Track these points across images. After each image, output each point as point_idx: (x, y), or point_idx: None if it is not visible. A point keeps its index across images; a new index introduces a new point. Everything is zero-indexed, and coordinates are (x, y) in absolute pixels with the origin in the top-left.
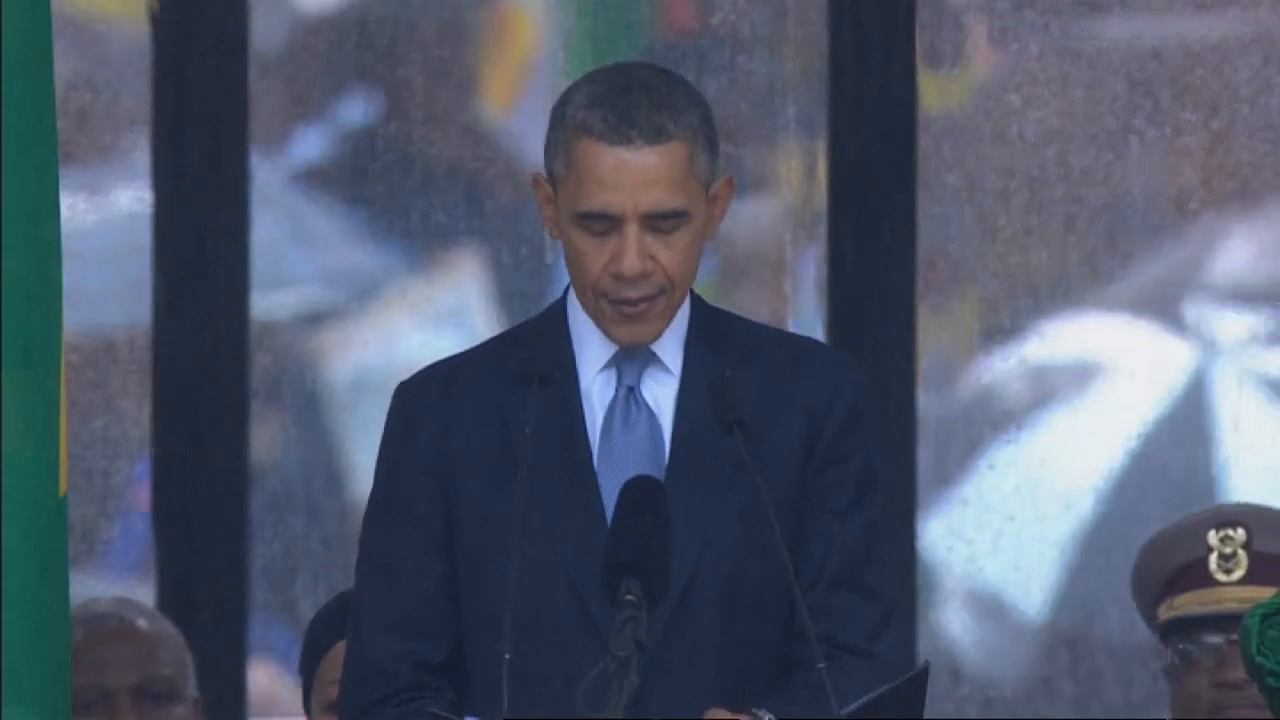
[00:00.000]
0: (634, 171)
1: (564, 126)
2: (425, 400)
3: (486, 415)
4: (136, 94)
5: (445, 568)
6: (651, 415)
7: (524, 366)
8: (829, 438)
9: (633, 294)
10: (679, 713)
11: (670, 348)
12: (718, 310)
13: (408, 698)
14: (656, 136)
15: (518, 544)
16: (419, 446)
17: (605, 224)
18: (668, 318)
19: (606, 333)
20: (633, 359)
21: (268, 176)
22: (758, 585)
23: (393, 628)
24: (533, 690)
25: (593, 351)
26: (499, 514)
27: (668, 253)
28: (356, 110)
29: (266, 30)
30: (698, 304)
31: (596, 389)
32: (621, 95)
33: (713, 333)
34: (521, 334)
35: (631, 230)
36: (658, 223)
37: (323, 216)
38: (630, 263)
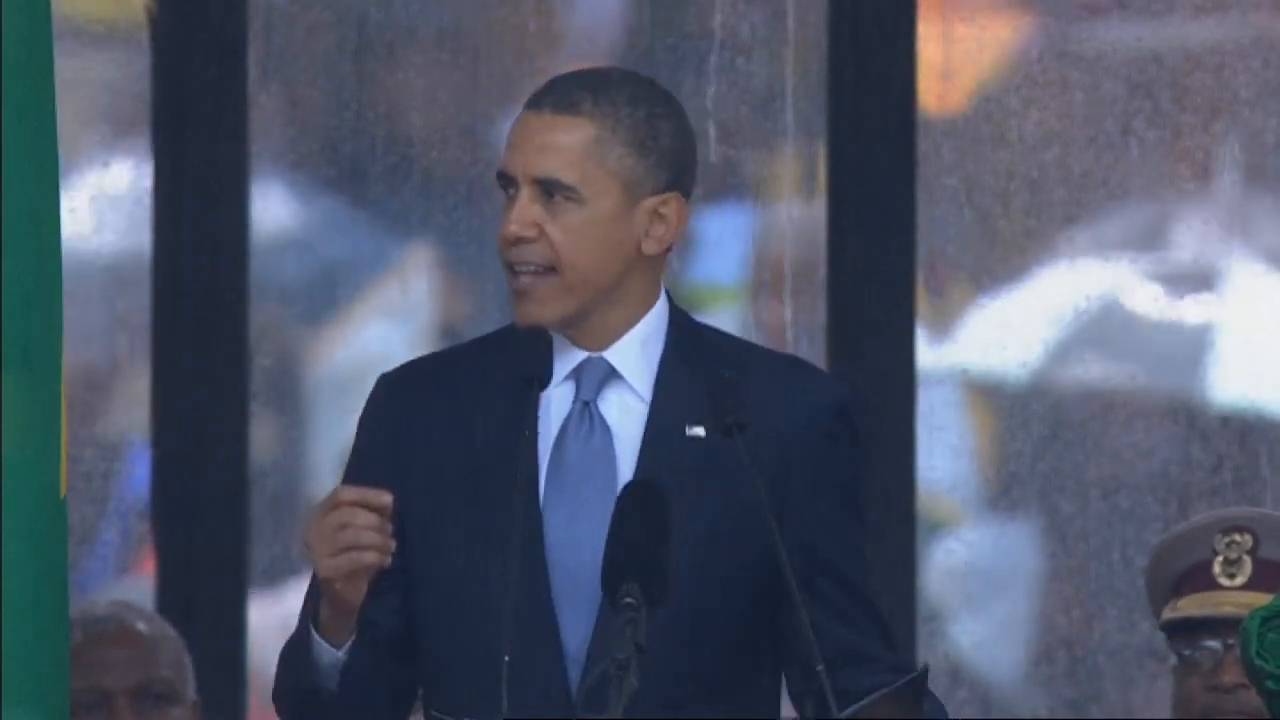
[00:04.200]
0: (533, 134)
1: None
2: (396, 394)
3: (452, 416)
4: (135, 95)
5: (395, 564)
6: (606, 432)
7: (496, 370)
8: (808, 465)
9: (514, 259)
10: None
11: (639, 365)
12: (700, 326)
13: None
14: (564, 108)
15: (516, 545)
16: (380, 439)
17: (510, 188)
18: (563, 304)
19: (515, 315)
20: (590, 372)
21: (267, 178)
22: (716, 609)
23: None
24: (467, 690)
25: (558, 361)
26: (446, 517)
27: (555, 227)
28: (356, 113)
29: (265, 32)
30: (678, 320)
31: (555, 400)
32: (567, 75)
33: (692, 351)
34: (503, 337)
35: (522, 194)
36: (548, 193)
37: (322, 218)
38: (507, 226)
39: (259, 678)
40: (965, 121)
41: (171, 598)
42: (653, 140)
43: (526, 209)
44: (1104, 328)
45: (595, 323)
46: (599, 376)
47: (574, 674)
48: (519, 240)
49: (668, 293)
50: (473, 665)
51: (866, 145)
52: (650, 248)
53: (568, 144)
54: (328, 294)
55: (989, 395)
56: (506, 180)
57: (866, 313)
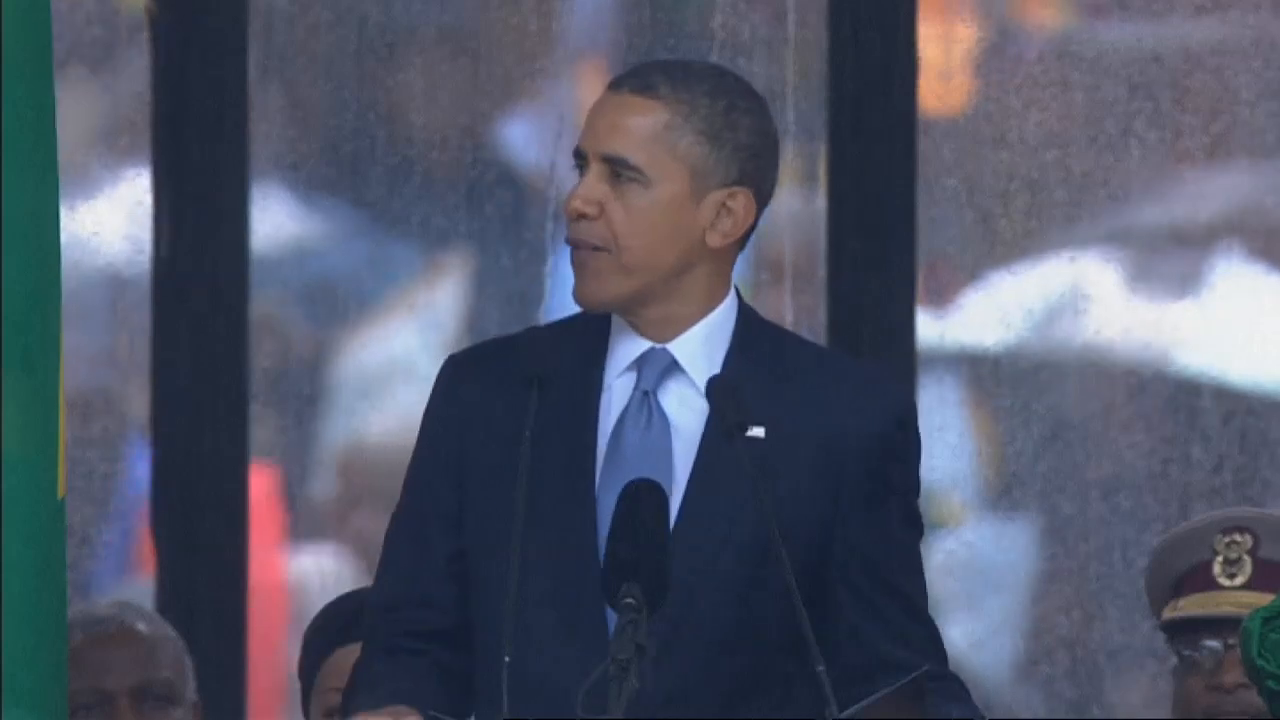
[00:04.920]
0: (608, 113)
1: None
2: (460, 380)
3: (509, 405)
4: (135, 95)
5: (455, 546)
6: (664, 422)
7: (560, 358)
8: (867, 471)
9: (572, 234)
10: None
11: (702, 360)
12: (769, 326)
13: (386, 654)
14: (641, 90)
15: (516, 547)
16: (443, 426)
17: (582, 164)
18: (619, 284)
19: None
20: (653, 363)
21: (267, 179)
22: (765, 607)
23: (392, 600)
24: (518, 690)
25: (620, 352)
26: (499, 509)
27: (618, 206)
28: (356, 113)
29: (266, 32)
30: (747, 319)
31: (616, 391)
32: (652, 62)
33: (757, 349)
34: (567, 325)
35: (591, 171)
36: (615, 173)
37: (322, 219)
38: (574, 199)
39: (259, 678)
40: (965, 122)
41: (171, 598)
42: (728, 132)
43: (593, 186)
44: (1105, 328)
45: (657, 312)
46: (660, 367)
47: None
48: (581, 216)
49: (738, 291)
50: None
51: (866, 145)
52: (714, 240)
53: (639, 125)
54: (328, 294)
55: (989, 395)
56: (579, 156)
57: (866, 312)
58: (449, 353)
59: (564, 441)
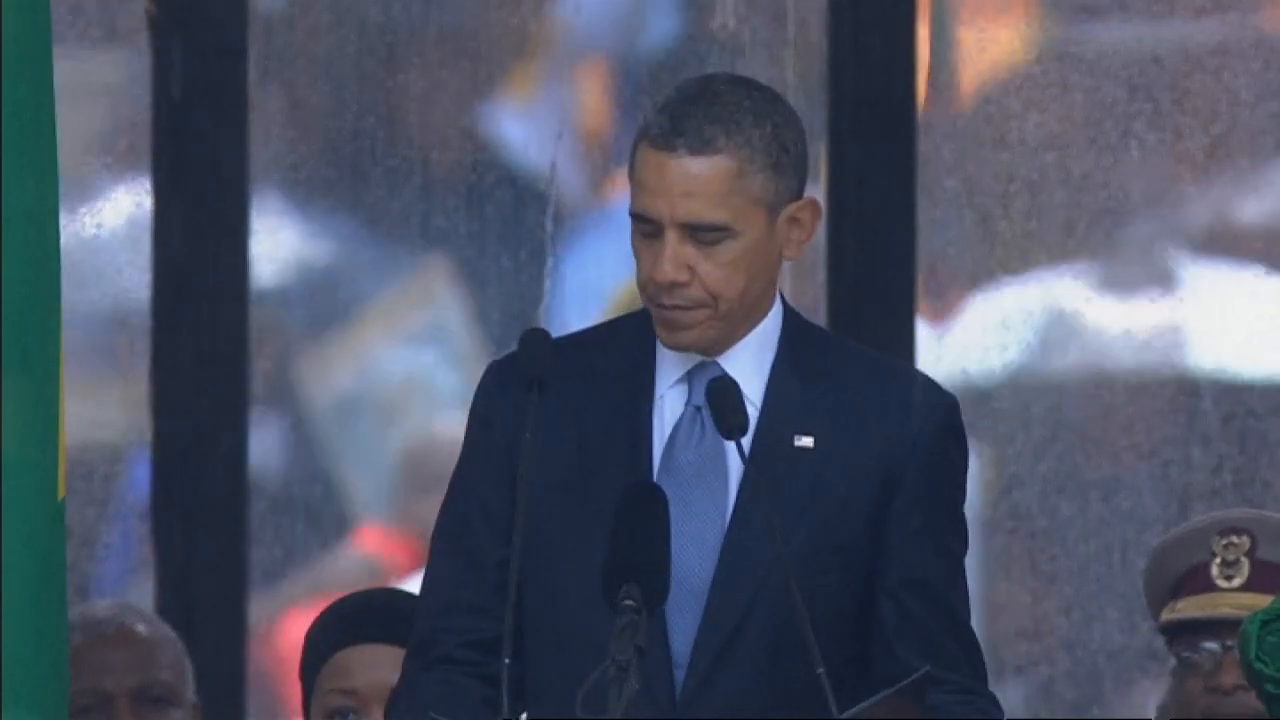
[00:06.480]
0: (673, 179)
1: (639, 128)
2: (505, 384)
3: (560, 414)
4: (135, 97)
5: (505, 553)
6: (717, 438)
7: (604, 364)
8: (912, 476)
9: (666, 300)
10: None
11: (750, 372)
12: (814, 331)
13: (438, 664)
14: (702, 148)
15: (516, 550)
16: (493, 434)
17: (651, 227)
18: (717, 330)
19: (658, 336)
20: (703, 377)
21: (267, 180)
22: (818, 619)
23: (446, 606)
24: (569, 691)
25: (670, 362)
26: (552, 511)
27: (709, 265)
28: (356, 115)
29: (266, 34)
30: (791, 324)
31: (668, 403)
32: (684, 104)
33: (802, 356)
34: (614, 330)
35: (669, 238)
36: (697, 234)
37: (322, 220)
38: (661, 270)
39: (259, 678)
40: (965, 123)
41: (171, 599)
42: (784, 154)
43: (678, 251)
44: (1105, 329)
45: None
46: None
47: (679, 676)
48: (674, 284)
49: (782, 296)
50: (553, 669)
51: (866, 146)
52: (792, 253)
53: (711, 185)
54: (327, 296)
55: (989, 396)
56: (645, 222)
57: (866, 313)
58: (448, 353)
59: (618, 451)
